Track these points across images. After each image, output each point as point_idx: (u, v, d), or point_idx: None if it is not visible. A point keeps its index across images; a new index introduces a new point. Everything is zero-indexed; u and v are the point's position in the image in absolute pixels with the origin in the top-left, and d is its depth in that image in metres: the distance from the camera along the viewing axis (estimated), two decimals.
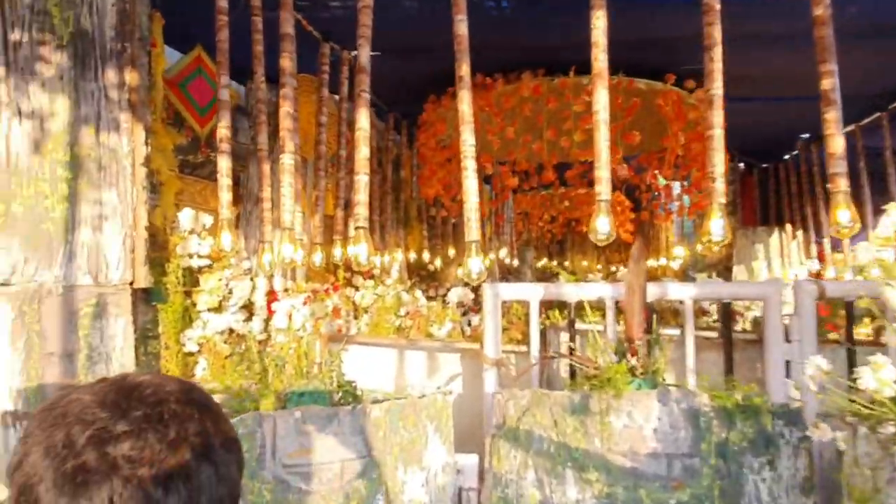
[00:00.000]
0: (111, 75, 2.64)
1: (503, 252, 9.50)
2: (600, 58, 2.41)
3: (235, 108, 4.87)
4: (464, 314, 4.49)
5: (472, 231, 2.48)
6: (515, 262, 10.30)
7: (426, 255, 7.44)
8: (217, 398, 2.41)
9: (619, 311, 2.72)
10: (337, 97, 4.92)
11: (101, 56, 2.64)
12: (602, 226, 2.38)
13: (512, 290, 3.01)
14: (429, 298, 5.66)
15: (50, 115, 2.54)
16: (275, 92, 4.45)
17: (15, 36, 2.52)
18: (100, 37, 2.65)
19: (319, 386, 2.18)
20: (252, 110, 4.02)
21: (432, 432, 2.31)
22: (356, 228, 2.56)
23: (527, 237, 12.60)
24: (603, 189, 2.41)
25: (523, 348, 3.20)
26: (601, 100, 2.41)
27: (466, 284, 5.21)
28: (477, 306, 4.50)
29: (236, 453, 0.72)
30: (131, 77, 2.71)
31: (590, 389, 2.23)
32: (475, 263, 2.46)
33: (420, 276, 7.48)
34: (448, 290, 7.78)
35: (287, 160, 2.73)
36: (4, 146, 2.48)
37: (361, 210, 2.54)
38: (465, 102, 2.49)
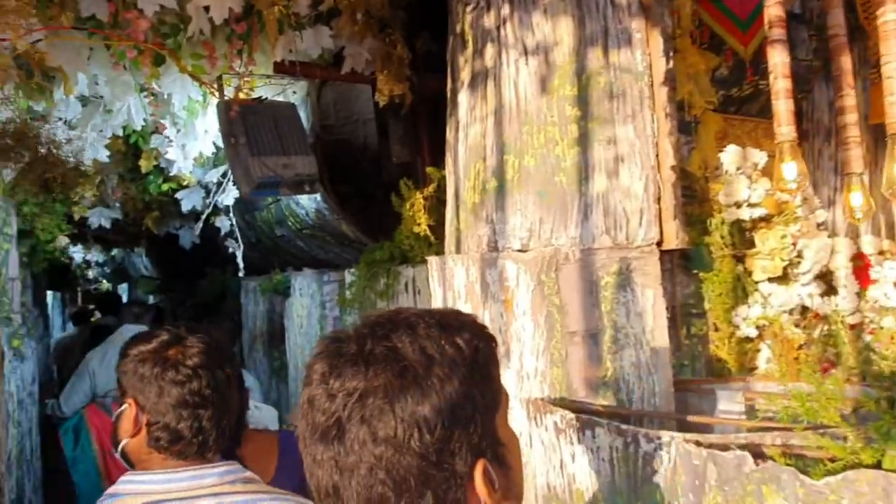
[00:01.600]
0: None
1: None
2: None
3: (788, 17, 3.69)
4: None
5: None
6: None
7: None
8: (782, 417, 1.51)
9: None
10: None
11: None
12: None
13: None
14: None
15: (554, 44, 2.11)
16: None
17: None
18: None
19: None
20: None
21: None
22: None
23: None
24: None
25: None
26: None
27: None
28: None
29: (401, 415, 0.67)
30: None
31: None
32: None
33: None
34: None
35: (891, 16, 1.59)
36: (513, 92, 2.17)
37: None
38: None
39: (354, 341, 0.70)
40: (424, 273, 3.09)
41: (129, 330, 4.23)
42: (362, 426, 0.66)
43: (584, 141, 2.04)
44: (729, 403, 2.11)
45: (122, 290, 10.70)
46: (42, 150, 2.60)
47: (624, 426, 1.54)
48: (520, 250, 2.13)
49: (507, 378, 2.13)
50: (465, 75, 2.42)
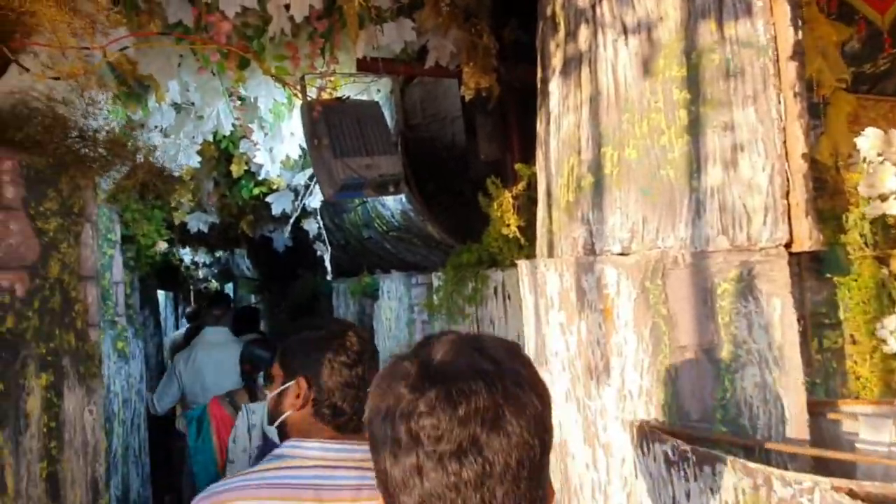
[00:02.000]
0: None
1: None
2: None
3: None
4: None
5: None
6: None
7: None
8: None
9: None
10: None
11: None
12: None
13: None
14: None
15: (658, 20, 1.86)
16: None
17: None
18: None
19: None
20: None
21: None
22: None
23: None
24: None
25: None
26: None
27: None
28: None
29: (528, 416, 0.73)
30: None
31: None
32: None
33: None
34: None
35: None
36: (611, 77, 1.95)
37: None
38: None
39: (464, 361, 0.75)
40: (515, 277, 2.90)
41: (209, 332, 4.31)
42: (500, 437, 0.71)
43: (695, 128, 1.78)
44: (875, 432, 1.79)
45: (230, 289, 11.19)
46: (138, 159, 2.62)
47: (752, 464, 1.29)
48: (620, 253, 1.90)
49: (607, 396, 1.91)
50: (556, 62, 2.21)
